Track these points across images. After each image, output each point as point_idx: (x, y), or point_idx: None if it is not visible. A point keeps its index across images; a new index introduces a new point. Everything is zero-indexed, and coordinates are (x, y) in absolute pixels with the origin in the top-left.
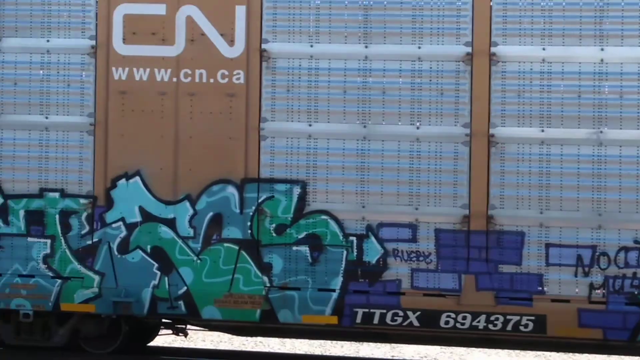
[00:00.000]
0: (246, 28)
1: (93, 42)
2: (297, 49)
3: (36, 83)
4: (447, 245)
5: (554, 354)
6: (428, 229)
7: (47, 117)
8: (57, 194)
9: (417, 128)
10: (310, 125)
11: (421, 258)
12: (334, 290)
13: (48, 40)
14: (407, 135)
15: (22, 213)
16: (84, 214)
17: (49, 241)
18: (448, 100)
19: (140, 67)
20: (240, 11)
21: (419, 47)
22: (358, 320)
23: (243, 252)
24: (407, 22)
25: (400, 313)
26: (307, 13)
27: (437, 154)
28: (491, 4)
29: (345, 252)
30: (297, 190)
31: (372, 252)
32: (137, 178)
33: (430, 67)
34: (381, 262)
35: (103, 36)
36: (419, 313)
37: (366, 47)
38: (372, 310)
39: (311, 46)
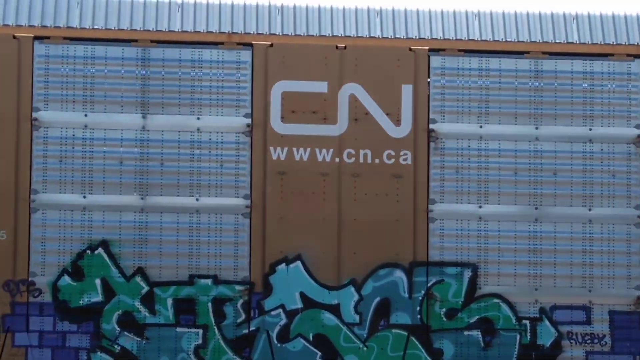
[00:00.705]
0: (413, 108)
1: (248, 120)
2: (466, 130)
3: (185, 163)
4: (621, 327)
5: None
6: (602, 311)
7: (197, 199)
8: (209, 281)
9: (589, 210)
10: (480, 207)
11: (596, 340)
12: None
13: (198, 118)
14: (579, 217)
15: (170, 301)
16: (240, 302)
17: (200, 331)
18: (620, 182)
19: (300, 146)
20: (407, 90)
21: (590, 129)
22: None
23: (412, 338)
24: (578, 105)
25: None
26: (476, 93)
27: (610, 235)
28: None
29: (518, 336)
30: (467, 274)
31: (546, 335)
32: (298, 263)
33: (601, 149)
34: (555, 345)
35: (259, 114)
36: None
37: (537, 128)
38: None
39: (480, 127)
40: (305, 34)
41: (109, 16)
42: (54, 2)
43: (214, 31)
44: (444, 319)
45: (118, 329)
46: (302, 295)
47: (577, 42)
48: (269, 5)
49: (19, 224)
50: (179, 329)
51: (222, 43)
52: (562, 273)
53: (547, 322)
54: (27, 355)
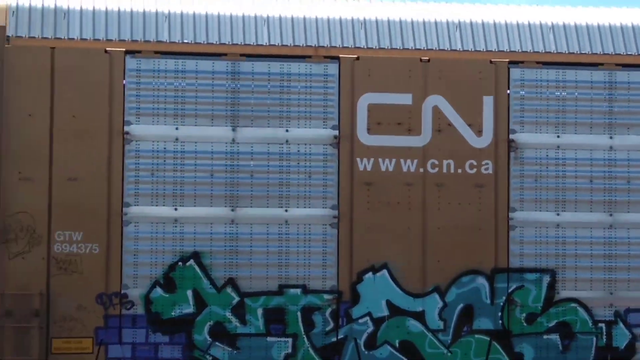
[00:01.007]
0: (494, 118)
1: (336, 132)
2: (544, 140)
3: (275, 174)
4: None
5: None
6: None
7: (286, 210)
8: (298, 290)
9: None
10: (558, 214)
11: None
12: None
13: (287, 130)
14: None
15: (260, 311)
16: (328, 310)
17: (290, 340)
18: None
19: (386, 157)
20: (488, 102)
21: None
22: None
23: (494, 343)
24: None
25: None
26: (554, 104)
27: None
28: None
29: (595, 339)
30: (546, 279)
31: (621, 337)
32: (385, 271)
33: None
34: (629, 347)
35: (346, 126)
36: None
37: (611, 137)
38: None
39: (558, 137)
40: (389, 47)
41: (197, 30)
42: (142, 16)
43: (301, 45)
44: (524, 324)
45: (210, 339)
46: (389, 303)
47: None
48: (352, 19)
49: (112, 237)
50: (269, 339)
51: (309, 56)
52: (636, 277)
53: (621, 325)
54: None
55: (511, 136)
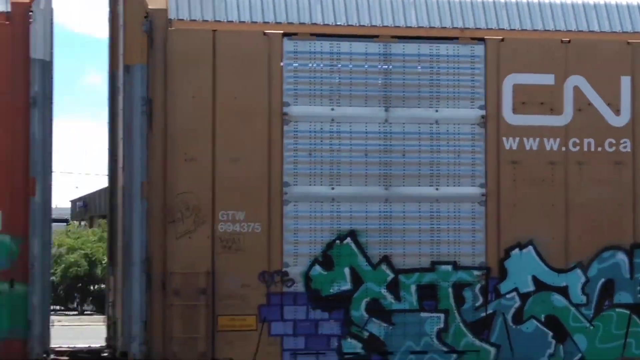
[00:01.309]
0: (631, 98)
1: (483, 112)
2: None
3: (426, 154)
4: None
5: None
6: None
7: (437, 189)
8: (449, 267)
9: None
10: None
11: None
12: None
13: (437, 111)
14: None
15: (413, 288)
16: (477, 286)
17: (442, 315)
18: None
19: (530, 136)
20: (625, 81)
21: None
22: None
23: (634, 317)
24: None
25: None
26: None
27: None
28: None
29: None
30: None
31: None
32: (530, 247)
33: None
34: None
35: (492, 106)
36: None
37: None
38: None
39: None
40: (531, 29)
41: (348, 12)
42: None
43: (448, 26)
44: None
45: (366, 315)
46: (534, 279)
47: None
48: (495, 1)
49: (273, 216)
50: (422, 314)
51: (456, 38)
52: None
53: None
54: (282, 343)
55: None
